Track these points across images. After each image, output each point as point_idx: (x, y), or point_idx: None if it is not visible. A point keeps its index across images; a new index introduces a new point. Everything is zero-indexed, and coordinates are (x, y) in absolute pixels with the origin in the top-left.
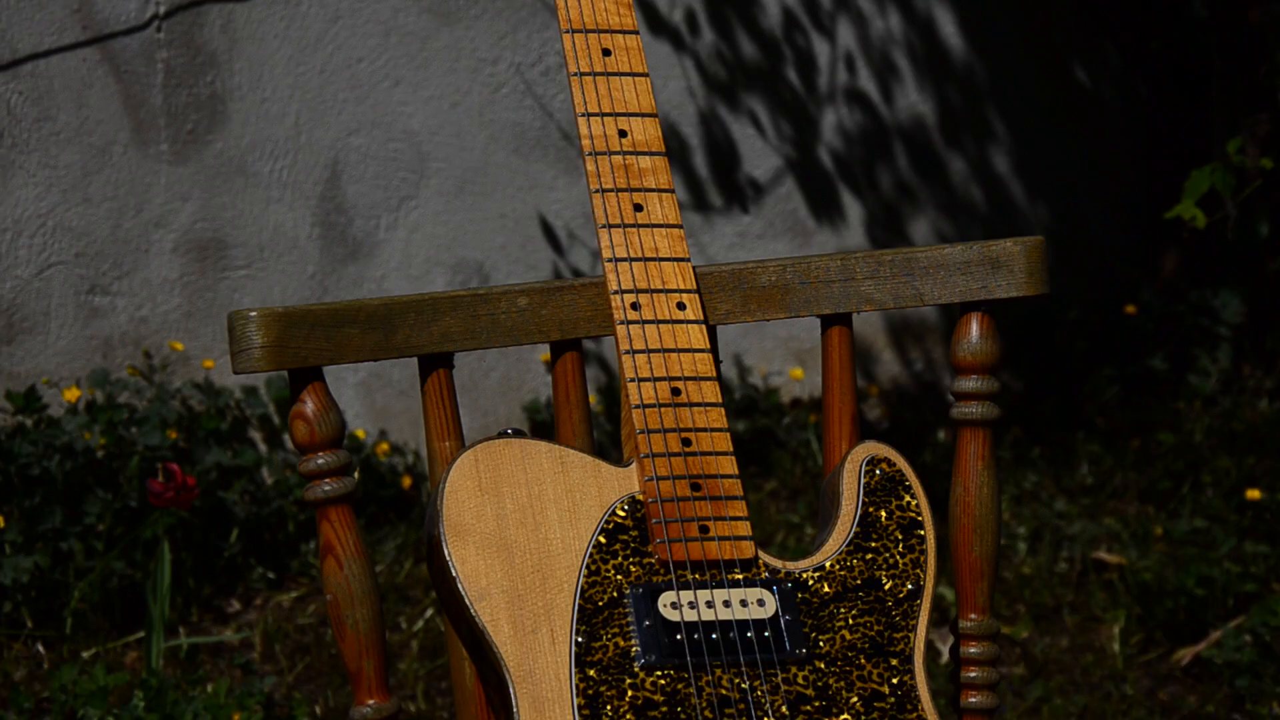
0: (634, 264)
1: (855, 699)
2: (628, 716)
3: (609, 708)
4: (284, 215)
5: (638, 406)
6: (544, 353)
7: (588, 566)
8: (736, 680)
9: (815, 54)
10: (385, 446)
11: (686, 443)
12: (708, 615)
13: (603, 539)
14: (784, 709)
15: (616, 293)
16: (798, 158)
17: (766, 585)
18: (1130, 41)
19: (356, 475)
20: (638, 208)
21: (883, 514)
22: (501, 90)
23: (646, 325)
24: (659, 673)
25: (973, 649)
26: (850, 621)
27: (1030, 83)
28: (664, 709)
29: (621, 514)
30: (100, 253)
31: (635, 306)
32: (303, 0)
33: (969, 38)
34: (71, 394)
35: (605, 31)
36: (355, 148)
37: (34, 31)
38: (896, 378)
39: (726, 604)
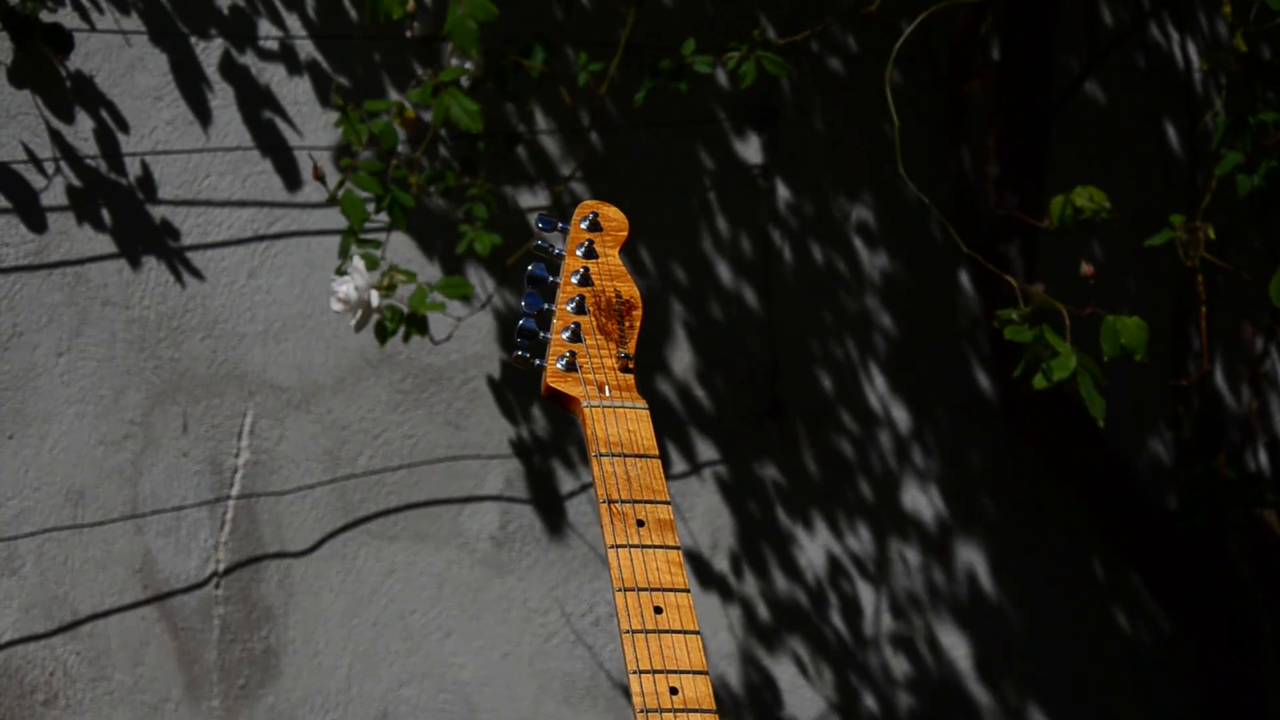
0: None
1: None
2: None
3: None
4: None
5: None
6: None
7: None
8: None
9: (860, 599)
10: None
11: None
12: None
13: None
14: None
15: None
16: (841, 703)
17: None
18: (1179, 601)
19: None
20: None
21: None
22: (552, 640)
23: None
24: None
25: None
26: None
27: (1077, 639)
28: None
29: None
30: None
31: None
32: (359, 554)
33: (1010, 590)
34: None
35: (657, 590)
36: (405, 699)
37: (95, 593)
38: None
39: None
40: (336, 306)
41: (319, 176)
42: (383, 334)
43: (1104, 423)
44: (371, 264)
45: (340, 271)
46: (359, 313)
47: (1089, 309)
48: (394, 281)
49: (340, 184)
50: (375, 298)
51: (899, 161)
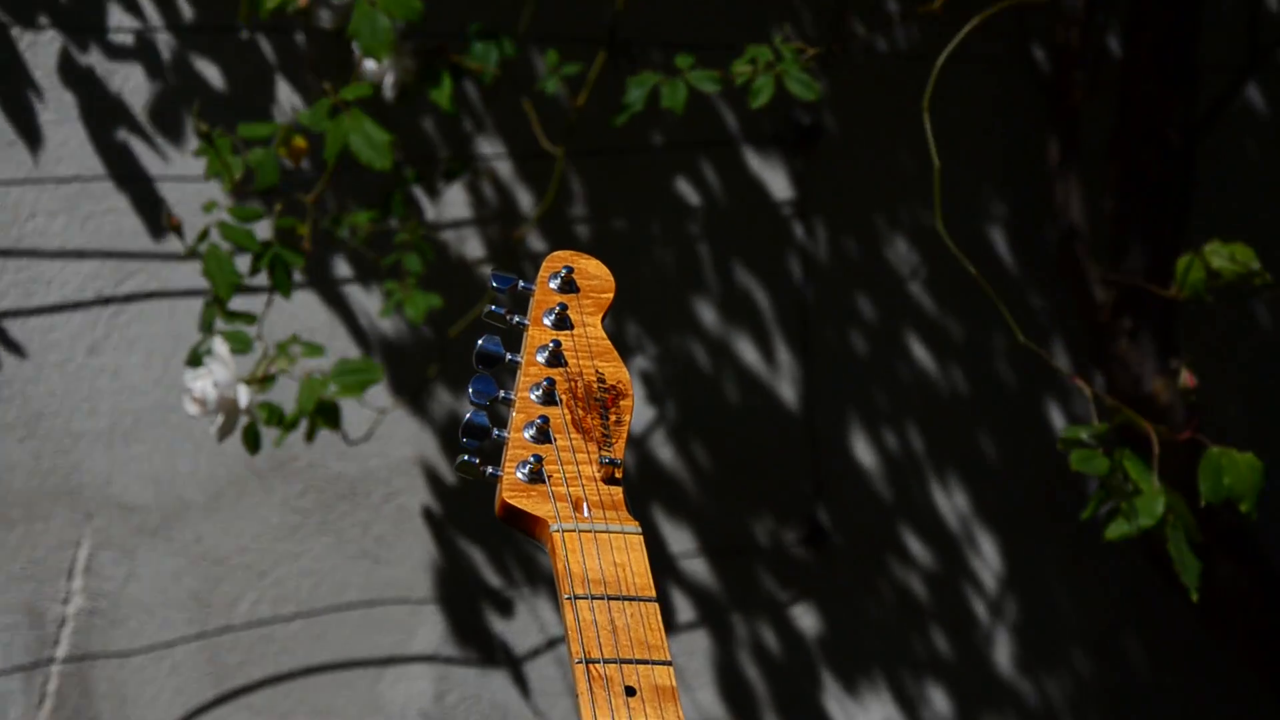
0: None
1: None
2: None
3: None
4: None
5: None
6: None
7: None
8: None
9: None
10: None
11: None
12: None
13: None
14: None
15: None
16: None
17: None
18: None
19: None
20: None
21: None
22: None
23: None
24: None
25: None
26: None
27: None
28: None
29: None
30: None
31: None
32: None
33: None
34: None
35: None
36: None
37: None
38: None
39: None
40: (191, 409)
41: (175, 226)
42: (253, 441)
43: (1197, 595)
44: (241, 345)
45: (195, 360)
46: (221, 416)
47: (1186, 434)
48: (272, 373)
49: (202, 236)
50: (244, 395)
51: (937, 215)
